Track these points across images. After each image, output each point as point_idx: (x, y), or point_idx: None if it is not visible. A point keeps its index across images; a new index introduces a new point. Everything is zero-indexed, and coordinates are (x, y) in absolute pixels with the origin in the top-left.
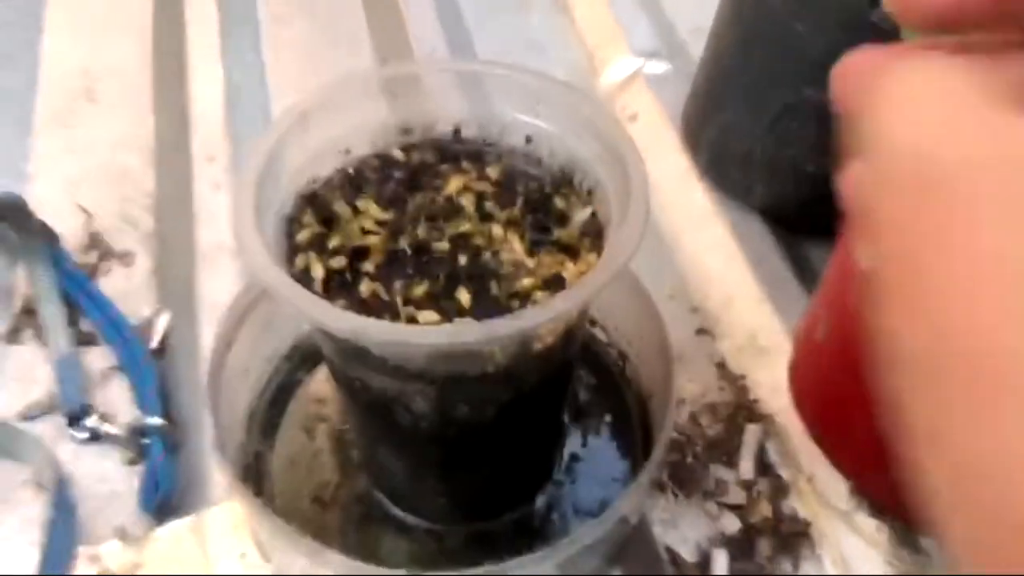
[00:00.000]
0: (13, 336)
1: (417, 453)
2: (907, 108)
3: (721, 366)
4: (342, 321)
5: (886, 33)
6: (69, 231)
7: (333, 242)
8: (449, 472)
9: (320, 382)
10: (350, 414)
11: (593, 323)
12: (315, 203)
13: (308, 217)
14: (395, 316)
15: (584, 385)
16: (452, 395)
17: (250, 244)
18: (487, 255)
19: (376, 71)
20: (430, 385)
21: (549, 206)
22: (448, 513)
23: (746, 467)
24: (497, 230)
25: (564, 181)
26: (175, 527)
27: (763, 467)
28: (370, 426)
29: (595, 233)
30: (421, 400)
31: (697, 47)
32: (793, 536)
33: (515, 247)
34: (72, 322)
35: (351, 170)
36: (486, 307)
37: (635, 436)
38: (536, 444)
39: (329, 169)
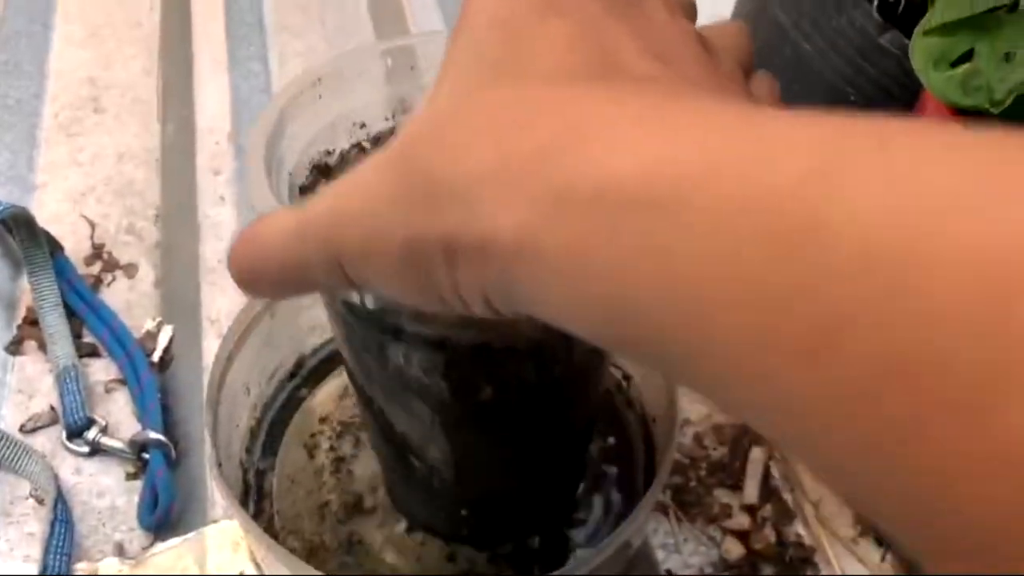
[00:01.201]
0: (16, 347)
1: (437, 452)
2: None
3: None
4: None
5: (895, 56)
6: (73, 242)
7: None
8: (470, 476)
9: (322, 400)
10: (366, 416)
11: None
12: (329, 174)
13: (322, 187)
14: None
15: None
16: (476, 370)
17: (265, 207)
18: None
19: (391, 43)
20: (453, 357)
21: None
22: (471, 527)
23: (751, 491)
24: None
25: None
26: (173, 544)
27: (768, 491)
28: (388, 432)
29: None
30: (442, 381)
31: None
32: (797, 562)
33: None
34: (75, 334)
35: (367, 144)
36: None
37: (638, 458)
38: (563, 446)
39: (344, 142)
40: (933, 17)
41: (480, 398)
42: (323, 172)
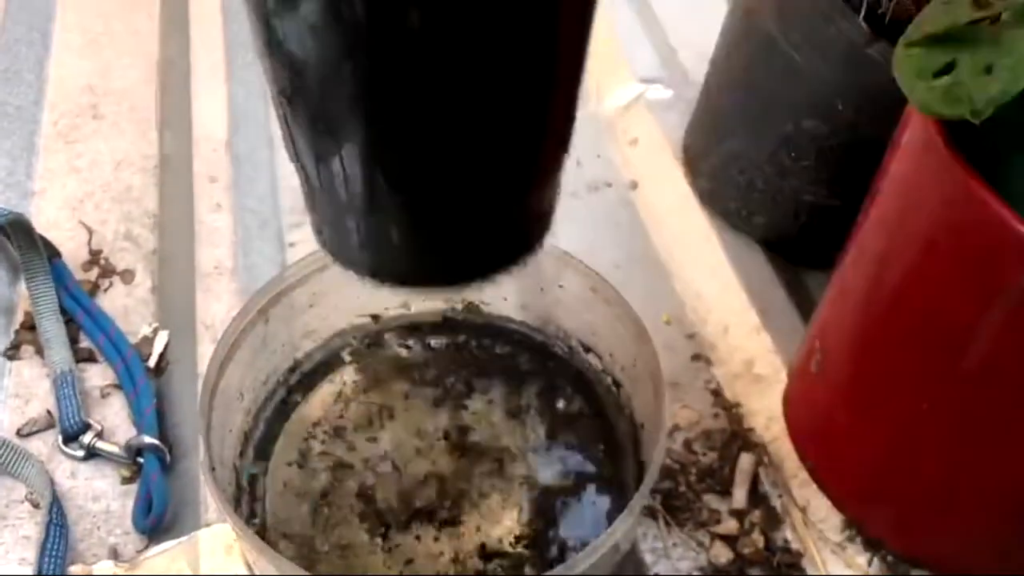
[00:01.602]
0: (13, 352)
1: (357, 139)
2: None
3: (716, 393)
4: None
5: (883, 66)
6: (71, 248)
7: None
8: (397, 175)
9: (315, 406)
10: (278, 111)
11: (587, 349)
12: None
13: None
14: None
15: (576, 412)
16: None
17: None
18: None
19: None
20: None
21: None
22: (407, 261)
23: (739, 496)
24: None
25: None
26: (167, 547)
27: (756, 497)
28: (302, 124)
29: None
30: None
31: (699, 73)
32: (785, 567)
33: None
34: (72, 339)
35: None
36: None
37: (627, 463)
38: (521, 130)
39: None
40: (915, 30)
41: (406, 22)
42: None
